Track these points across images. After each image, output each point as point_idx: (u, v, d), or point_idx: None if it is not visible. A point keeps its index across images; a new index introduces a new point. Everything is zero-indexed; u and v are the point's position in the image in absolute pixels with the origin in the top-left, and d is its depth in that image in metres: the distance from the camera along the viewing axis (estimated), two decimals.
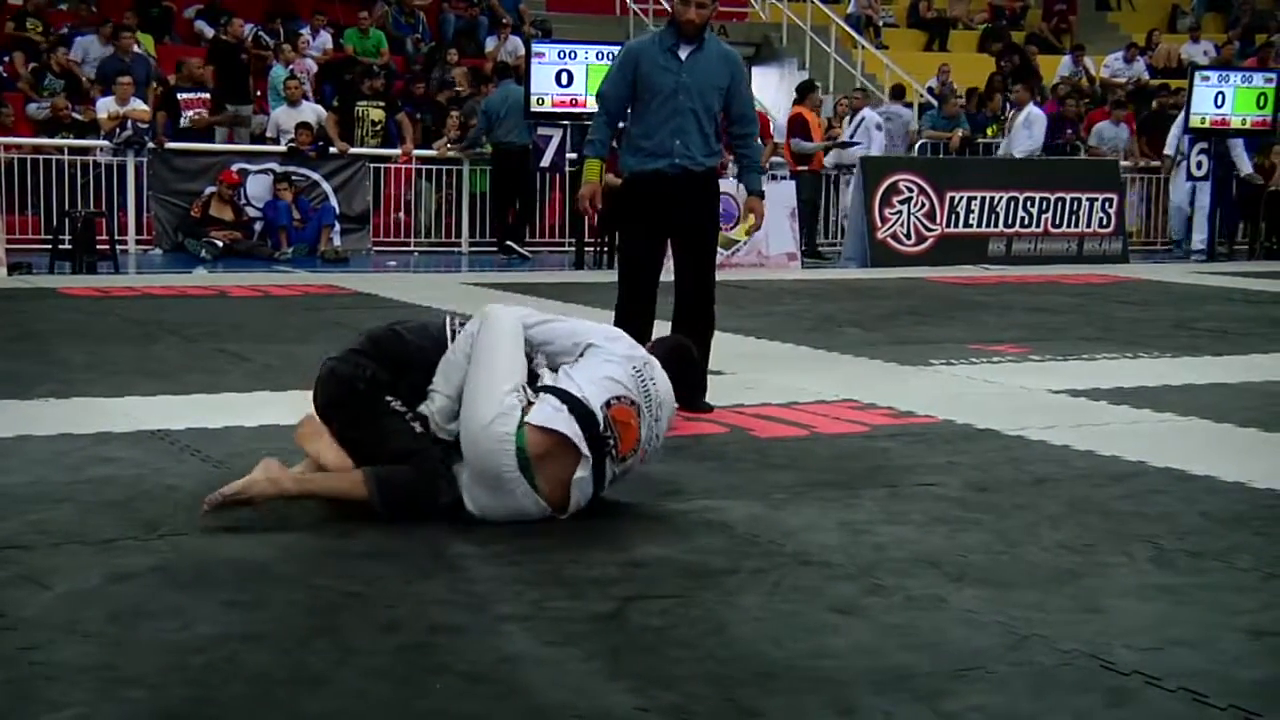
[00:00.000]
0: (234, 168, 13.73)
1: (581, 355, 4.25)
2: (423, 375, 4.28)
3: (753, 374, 7.03)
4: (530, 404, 4.11)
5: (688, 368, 4.66)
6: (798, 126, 14.60)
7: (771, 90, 18.70)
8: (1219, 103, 15.06)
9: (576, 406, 4.10)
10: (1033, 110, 15.35)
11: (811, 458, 5.24)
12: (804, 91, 15.21)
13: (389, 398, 4.26)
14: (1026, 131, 15.10)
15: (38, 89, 14.73)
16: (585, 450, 4.10)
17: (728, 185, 13.37)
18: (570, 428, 4.08)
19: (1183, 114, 15.64)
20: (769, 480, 4.85)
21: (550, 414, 4.08)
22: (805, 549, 4.04)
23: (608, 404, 4.14)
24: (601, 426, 4.12)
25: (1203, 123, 15.11)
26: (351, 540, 4.04)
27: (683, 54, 6.09)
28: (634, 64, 6.15)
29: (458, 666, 3.08)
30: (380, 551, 3.95)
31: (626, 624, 3.39)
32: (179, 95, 14.19)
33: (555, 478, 4.11)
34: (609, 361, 4.22)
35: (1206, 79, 15.29)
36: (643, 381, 4.25)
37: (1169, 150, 15.78)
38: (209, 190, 13.54)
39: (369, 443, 4.24)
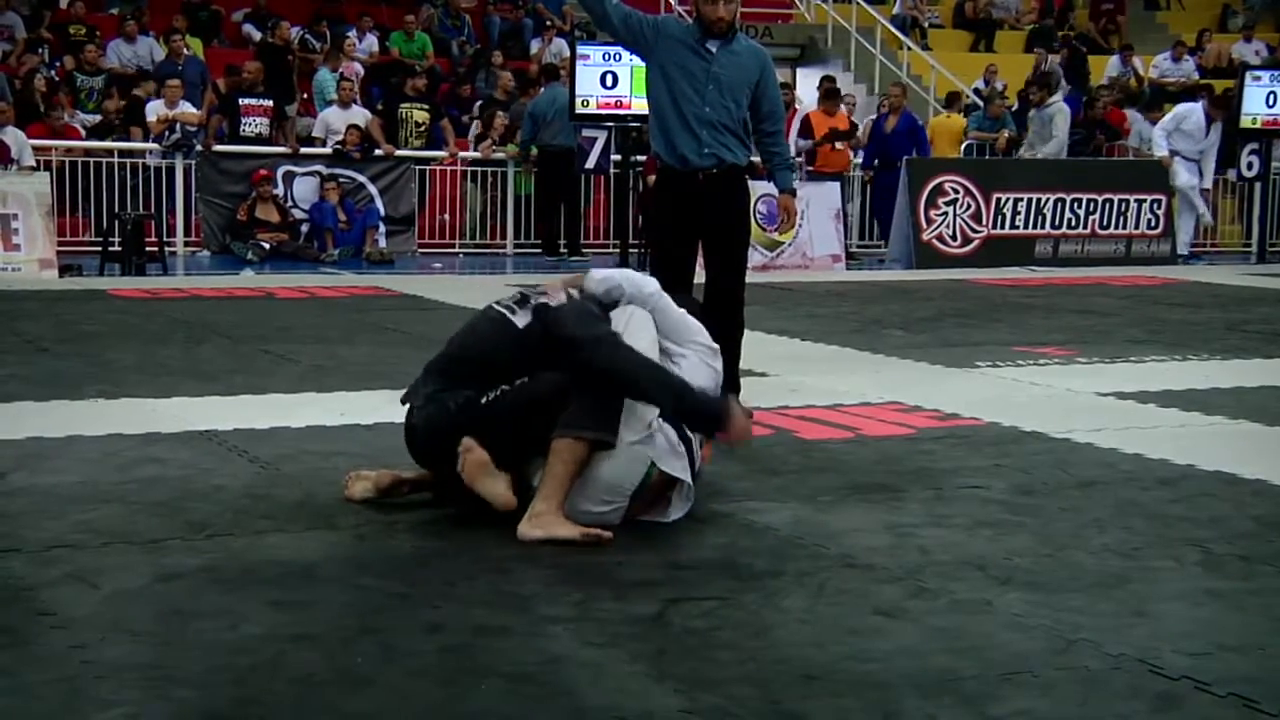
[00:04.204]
0: (280, 170, 13.82)
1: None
2: (505, 372, 4.19)
3: (797, 376, 7.01)
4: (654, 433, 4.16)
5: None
6: (806, 128, 14.39)
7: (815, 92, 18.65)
8: (1270, 103, 14.88)
9: (689, 450, 4.21)
10: None
11: (856, 460, 5.22)
12: (834, 95, 14.95)
13: (492, 393, 4.17)
14: None
15: (75, 95, 14.82)
16: (689, 494, 4.23)
17: (770, 187, 13.32)
18: (686, 474, 4.19)
19: (1175, 110, 15.30)
20: (813, 483, 4.84)
21: (673, 459, 4.16)
22: (850, 551, 4.02)
23: (701, 442, 4.31)
24: (696, 466, 4.27)
25: (1254, 123, 14.93)
26: (396, 542, 4.06)
27: (713, 47, 5.97)
28: (663, 37, 5.98)
29: (502, 668, 3.09)
30: (424, 553, 3.97)
31: (670, 626, 3.39)
32: (240, 101, 14.24)
33: (647, 504, 4.19)
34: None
35: (1258, 79, 15.12)
36: None
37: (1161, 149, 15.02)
38: (255, 193, 13.63)
39: (522, 417, 4.11)
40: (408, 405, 4.33)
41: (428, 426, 4.23)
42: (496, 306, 4.37)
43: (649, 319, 4.33)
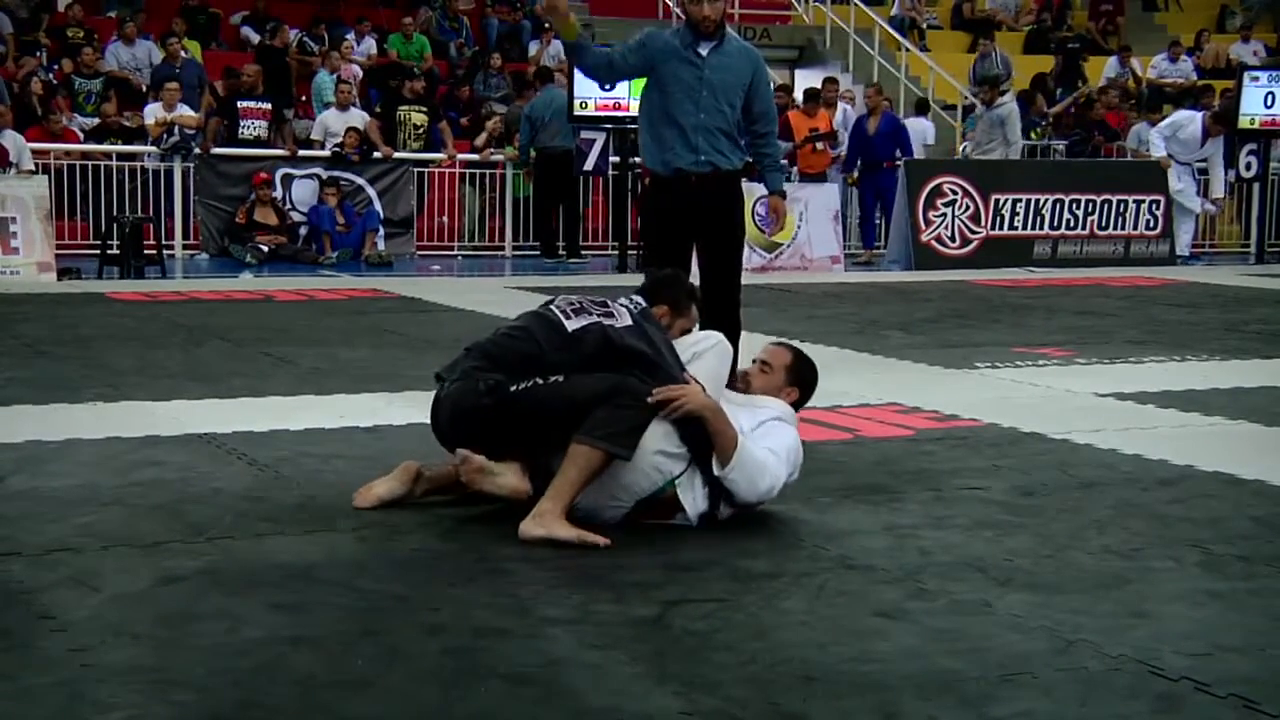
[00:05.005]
0: (278, 172, 13.83)
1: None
2: (544, 368, 4.22)
3: None
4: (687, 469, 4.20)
5: None
6: (785, 130, 14.40)
7: None
8: (1269, 103, 14.89)
9: (713, 503, 4.24)
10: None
11: (856, 461, 5.22)
12: (814, 97, 14.95)
13: (524, 383, 4.20)
14: None
15: (73, 98, 14.81)
16: (688, 522, 4.24)
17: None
18: (692, 513, 4.22)
19: (1174, 117, 15.34)
20: (813, 484, 4.83)
21: (691, 493, 4.20)
22: (849, 553, 4.03)
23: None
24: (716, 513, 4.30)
25: (1252, 123, 14.95)
26: (396, 544, 4.06)
27: (704, 50, 5.95)
28: (652, 53, 5.97)
29: (502, 669, 3.09)
30: (425, 555, 3.97)
31: (670, 628, 3.39)
32: (239, 104, 14.22)
33: (652, 517, 4.22)
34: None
35: (1256, 79, 15.13)
36: None
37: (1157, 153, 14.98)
38: (254, 196, 13.63)
39: (546, 416, 4.13)
40: (441, 379, 4.36)
41: (453, 403, 4.27)
42: (553, 308, 4.42)
43: (725, 358, 4.44)
